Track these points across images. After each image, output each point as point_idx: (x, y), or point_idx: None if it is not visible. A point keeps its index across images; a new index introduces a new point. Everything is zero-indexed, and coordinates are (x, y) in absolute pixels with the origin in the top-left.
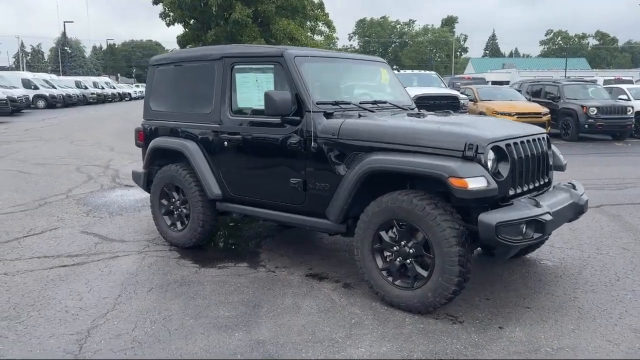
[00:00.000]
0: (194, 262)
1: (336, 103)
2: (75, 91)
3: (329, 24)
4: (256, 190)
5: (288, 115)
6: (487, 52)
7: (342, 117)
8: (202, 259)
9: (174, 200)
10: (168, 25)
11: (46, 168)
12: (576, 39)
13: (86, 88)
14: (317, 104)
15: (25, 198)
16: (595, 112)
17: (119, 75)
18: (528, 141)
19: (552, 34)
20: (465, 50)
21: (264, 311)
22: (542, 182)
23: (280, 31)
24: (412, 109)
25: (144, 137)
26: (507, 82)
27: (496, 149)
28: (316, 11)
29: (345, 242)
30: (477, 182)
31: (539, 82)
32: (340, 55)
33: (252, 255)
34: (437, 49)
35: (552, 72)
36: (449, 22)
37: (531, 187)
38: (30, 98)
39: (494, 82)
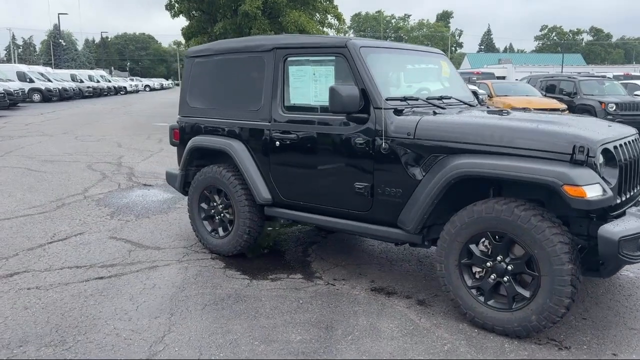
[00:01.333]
0: (242, 273)
1: (405, 99)
2: (71, 84)
3: (338, 17)
4: (312, 195)
5: (355, 113)
6: (482, 47)
7: (414, 115)
8: (249, 269)
9: (215, 204)
10: (173, 17)
11: (56, 165)
12: (570, 35)
13: (82, 81)
14: (386, 100)
15: (40, 199)
16: (614, 108)
17: (112, 68)
18: (629, 142)
19: (546, 29)
20: (460, 45)
21: (340, 334)
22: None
23: (291, 23)
24: (479, 106)
25: (179, 135)
26: (503, 78)
27: (604, 152)
28: (325, 3)
29: (401, 251)
30: (594, 191)
31: (552, 77)
32: (401, 46)
33: (303, 265)
34: (432, 44)
35: (549, 68)
36: (444, 17)
37: (633, 194)
38: (26, 91)
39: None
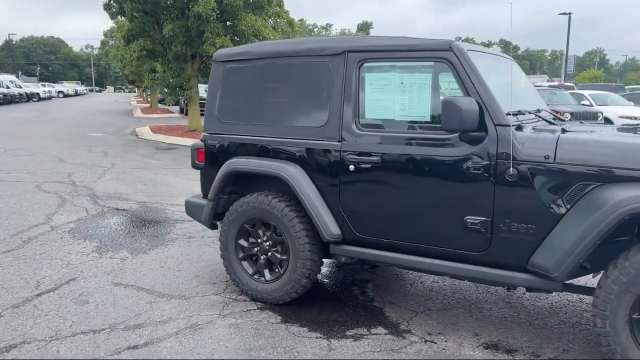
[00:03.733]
0: (310, 330)
1: (518, 112)
2: None
3: (290, 22)
4: (402, 231)
5: (473, 131)
6: None
7: (545, 132)
8: (314, 322)
9: (260, 241)
10: (112, 17)
11: None
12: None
13: None
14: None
15: None
16: (569, 118)
17: (20, 73)
18: None
19: (460, 41)
20: None
21: None
22: None
23: (248, 27)
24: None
25: (206, 156)
26: None
27: None
28: (277, 8)
29: (472, 287)
30: None
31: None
32: (490, 51)
33: (375, 314)
34: None
35: None
36: (364, 27)
37: None
38: None
39: None
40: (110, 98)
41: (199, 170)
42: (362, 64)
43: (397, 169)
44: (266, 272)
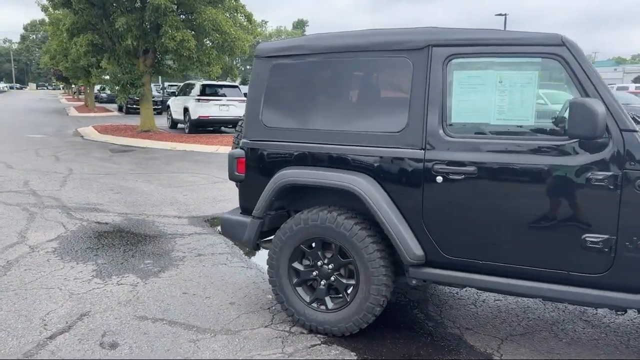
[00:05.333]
0: None
1: (633, 117)
2: None
3: (249, 17)
4: (503, 251)
5: (601, 137)
6: None
7: None
8: (398, 358)
9: (319, 264)
10: (54, 9)
11: None
12: None
13: None
14: None
15: None
16: None
17: None
18: None
19: None
20: None
21: None
22: None
23: (208, 21)
24: None
25: (247, 166)
26: None
27: None
28: (234, 2)
29: (556, 308)
30: None
31: None
32: None
33: (459, 343)
34: None
35: None
36: (300, 25)
37: None
38: None
39: None
40: (35, 96)
41: (237, 183)
42: (451, 60)
43: (498, 180)
44: (327, 299)
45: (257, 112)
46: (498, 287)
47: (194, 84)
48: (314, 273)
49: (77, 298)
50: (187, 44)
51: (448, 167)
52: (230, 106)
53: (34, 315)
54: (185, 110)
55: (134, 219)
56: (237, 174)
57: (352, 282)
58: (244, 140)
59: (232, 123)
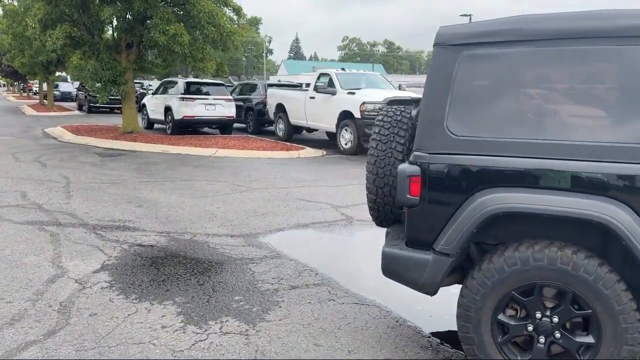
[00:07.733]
0: None
1: None
2: None
3: (238, 11)
4: None
5: None
6: (292, 54)
7: None
8: None
9: (538, 316)
10: None
11: None
12: (368, 46)
13: None
14: None
15: (9, 296)
16: None
17: None
18: None
19: (347, 40)
20: (270, 52)
21: None
22: None
23: (204, 14)
24: None
25: (427, 187)
26: None
27: None
28: None
29: None
30: None
31: None
32: None
33: None
34: (247, 49)
35: None
36: (254, 23)
37: None
38: None
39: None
40: None
41: (407, 208)
42: None
43: None
44: None
45: (441, 115)
46: None
47: (175, 82)
48: (529, 328)
49: (185, 358)
50: (180, 39)
51: None
52: (217, 105)
53: None
54: (167, 109)
55: (180, 239)
56: (409, 196)
57: (590, 340)
58: (418, 153)
59: (218, 123)
